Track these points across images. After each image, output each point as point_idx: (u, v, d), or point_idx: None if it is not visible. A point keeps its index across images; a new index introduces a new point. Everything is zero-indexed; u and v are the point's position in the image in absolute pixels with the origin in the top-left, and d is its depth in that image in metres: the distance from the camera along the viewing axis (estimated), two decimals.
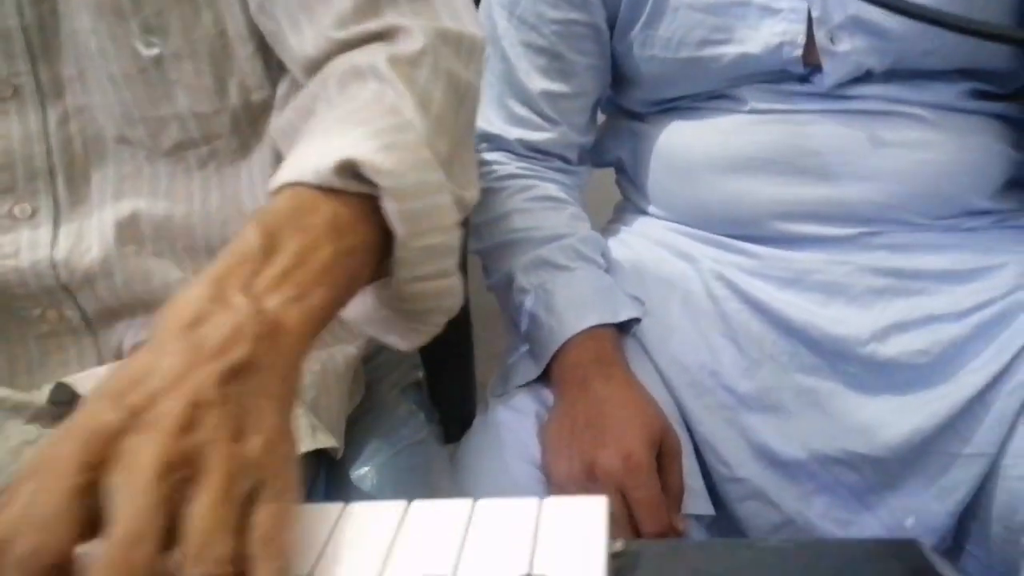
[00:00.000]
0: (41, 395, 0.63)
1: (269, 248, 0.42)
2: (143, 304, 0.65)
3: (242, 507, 0.33)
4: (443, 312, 0.52)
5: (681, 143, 0.80)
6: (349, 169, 0.46)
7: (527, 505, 0.37)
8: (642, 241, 0.85)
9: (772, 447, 0.76)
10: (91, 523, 0.32)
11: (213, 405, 0.35)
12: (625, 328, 0.79)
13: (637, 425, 0.69)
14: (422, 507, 0.38)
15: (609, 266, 0.83)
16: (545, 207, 0.83)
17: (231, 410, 0.35)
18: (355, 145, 0.46)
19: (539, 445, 0.73)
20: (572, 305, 0.76)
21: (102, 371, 0.61)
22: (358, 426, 0.70)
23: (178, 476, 0.33)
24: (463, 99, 0.57)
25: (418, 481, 0.67)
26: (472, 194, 0.57)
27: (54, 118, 0.62)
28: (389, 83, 0.52)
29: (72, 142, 0.63)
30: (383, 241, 0.47)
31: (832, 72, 0.73)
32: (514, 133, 0.84)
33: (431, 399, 0.78)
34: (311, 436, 0.62)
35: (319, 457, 0.66)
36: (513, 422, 0.76)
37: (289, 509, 0.35)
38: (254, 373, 0.37)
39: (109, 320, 0.66)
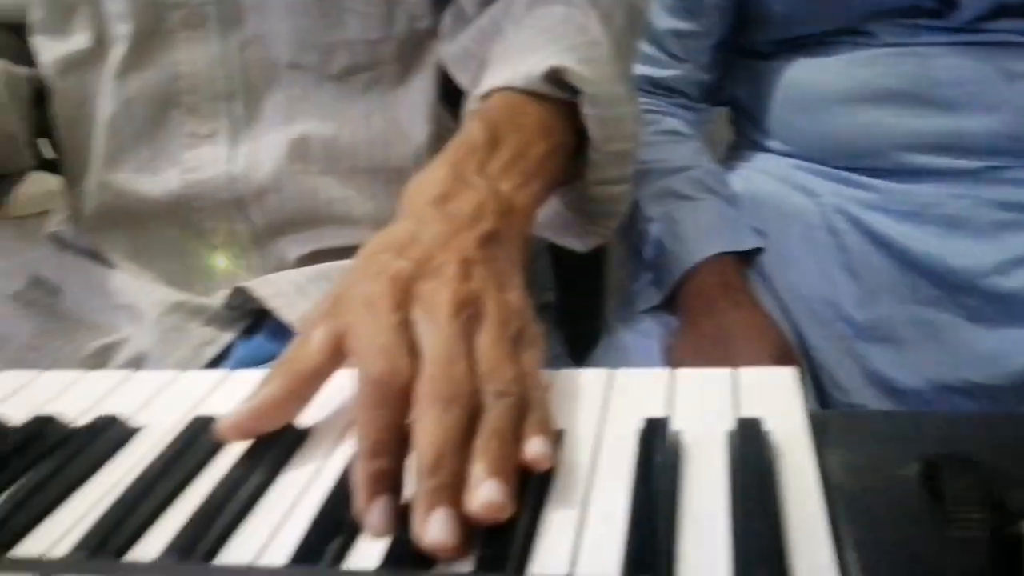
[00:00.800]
0: (217, 299, 0.69)
1: (492, 142, 0.47)
2: (306, 220, 0.70)
3: (512, 346, 0.38)
4: (617, 216, 0.56)
5: (807, 78, 0.82)
6: (555, 77, 0.51)
7: (721, 374, 0.41)
8: (761, 176, 0.88)
9: (889, 375, 0.78)
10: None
11: (478, 262, 0.40)
12: (747, 258, 0.82)
13: (765, 344, 0.72)
14: (626, 373, 0.42)
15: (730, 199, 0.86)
16: (670, 140, 0.86)
17: (492, 268, 0.41)
18: (559, 56, 0.51)
19: (664, 366, 0.77)
20: (699, 233, 0.80)
21: (274, 278, 0.67)
22: None
23: (466, 315, 0.38)
24: (636, 23, 0.61)
25: None
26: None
27: (235, 45, 0.67)
28: (576, 5, 0.56)
29: (250, 67, 0.68)
30: (576, 145, 0.52)
31: (970, 6, 0.74)
32: (641, 70, 0.87)
33: (560, 320, 0.82)
34: None
35: None
36: (638, 344, 0.79)
37: (540, 356, 0.40)
38: (500, 242, 0.42)
39: (275, 235, 0.71)
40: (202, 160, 0.69)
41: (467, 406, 0.34)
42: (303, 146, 0.69)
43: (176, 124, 0.69)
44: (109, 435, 0.41)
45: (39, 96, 0.73)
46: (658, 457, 0.34)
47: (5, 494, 0.37)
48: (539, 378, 0.38)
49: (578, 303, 0.87)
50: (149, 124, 0.70)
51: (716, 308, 0.76)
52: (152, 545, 0.33)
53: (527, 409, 0.35)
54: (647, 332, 0.80)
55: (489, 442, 0.33)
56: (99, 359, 0.68)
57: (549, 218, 0.58)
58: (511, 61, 0.53)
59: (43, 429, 0.42)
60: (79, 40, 0.70)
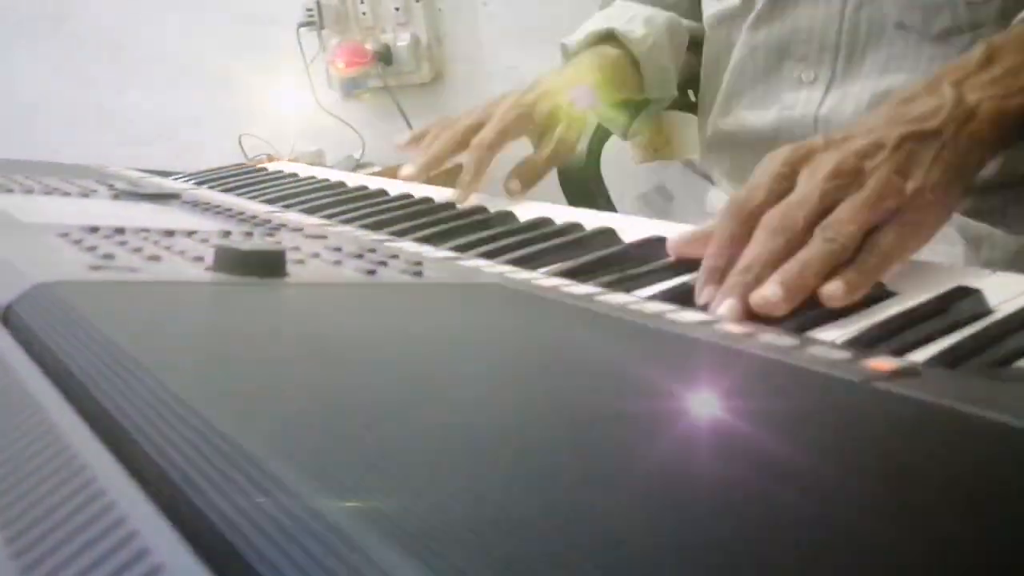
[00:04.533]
0: None
1: (987, 60, 0.51)
2: None
3: (880, 222, 0.44)
4: None
5: None
6: None
7: None
8: None
9: None
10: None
11: (887, 147, 0.46)
12: None
13: None
14: None
15: None
16: None
17: (901, 155, 0.46)
18: None
19: None
20: None
21: None
22: None
23: (841, 181, 0.45)
24: None
25: None
26: None
27: (853, 3, 0.77)
28: None
29: (860, 24, 0.77)
30: None
31: None
32: None
33: None
34: None
35: None
36: None
37: (907, 243, 0.45)
38: (934, 141, 0.47)
39: None
40: (799, 101, 0.81)
41: (792, 239, 0.43)
42: (884, 98, 0.76)
43: (788, 70, 0.82)
44: None
45: (695, 44, 0.93)
46: None
47: None
48: (885, 251, 0.43)
49: None
50: (766, 69, 0.84)
51: None
52: None
53: (847, 262, 0.42)
54: None
55: (792, 264, 0.42)
56: None
57: None
58: None
59: None
60: (734, 0, 0.88)
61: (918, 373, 0.29)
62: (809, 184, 0.46)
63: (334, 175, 0.92)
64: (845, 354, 0.31)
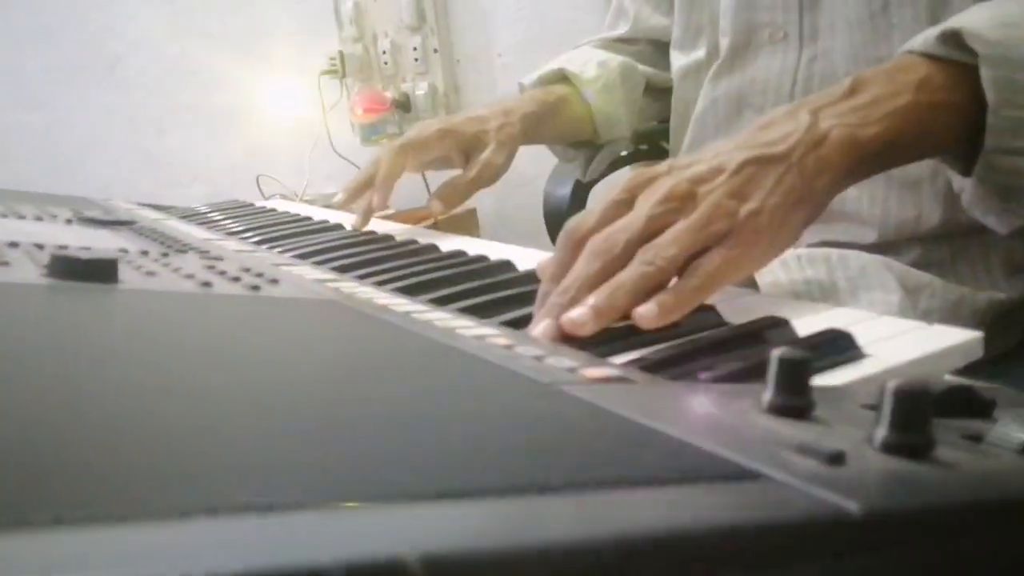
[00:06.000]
0: None
1: (852, 91, 0.51)
2: (824, 215, 0.76)
3: (705, 245, 0.44)
4: None
5: None
6: (952, 39, 0.50)
7: None
8: None
9: None
10: None
11: (727, 172, 0.46)
12: None
13: None
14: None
15: None
16: None
17: (740, 180, 0.46)
18: (966, 19, 0.50)
19: None
20: None
21: None
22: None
23: (672, 206, 0.45)
24: None
25: None
26: None
27: (806, 58, 0.77)
28: None
29: (813, 77, 0.77)
30: (978, 110, 0.50)
31: None
32: None
33: None
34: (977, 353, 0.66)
35: None
36: None
37: (734, 266, 0.44)
38: (780, 164, 0.47)
39: None
40: None
41: (609, 262, 0.43)
42: None
43: (747, 120, 0.82)
44: None
45: (662, 92, 0.94)
46: None
47: None
48: (709, 273, 0.43)
49: None
50: (727, 118, 0.84)
51: None
52: None
53: (663, 286, 0.42)
54: None
55: (605, 287, 0.42)
56: None
57: (969, 192, 0.55)
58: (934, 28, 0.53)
59: None
60: (699, 53, 0.88)
61: (630, 382, 0.29)
62: (639, 209, 0.46)
63: (324, 214, 0.95)
64: (575, 364, 0.31)
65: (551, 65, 0.94)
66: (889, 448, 0.22)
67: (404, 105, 1.73)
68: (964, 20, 0.52)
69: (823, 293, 0.71)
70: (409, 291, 0.51)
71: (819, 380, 0.34)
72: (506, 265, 0.60)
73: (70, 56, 2.19)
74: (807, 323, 0.41)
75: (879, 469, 0.21)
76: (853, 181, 0.50)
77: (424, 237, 0.74)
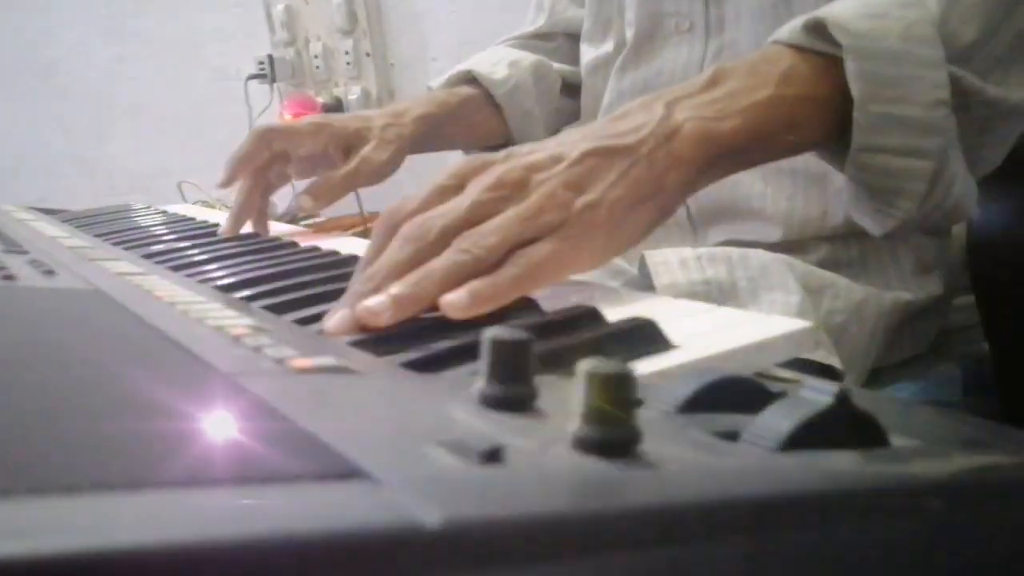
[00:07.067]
0: (634, 267, 0.76)
1: (712, 83, 0.46)
2: (726, 210, 0.72)
3: (533, 237, 0.39)
4: (910, 198, 0.47)
5: None
6: (817, 28, 0.46)
7: None
8: None
9: None
10: None
11: (566, 161, 0.41)
12: None
13: None
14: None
15: None
16: None
17: (580, 170, 0.41)
18: (834, 8, 0.47)
19: None
20: None
21: (671, 251, 0.70)
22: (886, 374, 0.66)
23: (501, 193, 0.40)
24: None
25: None
26: (1018, 95, 0.49)
27: (712, 49, 0.73)
28: None
29: None
30: (846, 104, 0.46)
31: None
32: None
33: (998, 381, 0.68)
34: (810, 346, 0.61)
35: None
36: None
37: (563, 258, 0.40)
38: (627, 157, 0.42)
39: (706, 222, 0.75)
40: None
41: (422, 249, 0.38)
42: None
43: None
44: None
45: (570, 90, 0.90)
46: None
47: None
48: (532, 263, 0.38)
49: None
50: None
51: None
52: None
53: (479, 274, 0.37)
54: None
55: (412, 275, 0.37)
56: None
57: (846, 192, 0.51)
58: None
59: None
60: (607, 46, 0.84)
61: (345, 372, 0.25)
62: (465, 195, 0.41)
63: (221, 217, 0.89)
64: (294, 353, 0.26)
65: (460, 66, 0.89)
66: (584, 444, 0.18)
67: (336, 110, 1.68)
68: (832, 9, 0.47)
69: (723, 294, 0.67)
70: (228, 288, 0.46)
71: None
72: (353, 260, 0.55)
73: (4, 63, 2.12)
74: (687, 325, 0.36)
75: (550, 469, 0.17)
76: (710, 178, 0.46)
77: (310, 239, 0.69)
